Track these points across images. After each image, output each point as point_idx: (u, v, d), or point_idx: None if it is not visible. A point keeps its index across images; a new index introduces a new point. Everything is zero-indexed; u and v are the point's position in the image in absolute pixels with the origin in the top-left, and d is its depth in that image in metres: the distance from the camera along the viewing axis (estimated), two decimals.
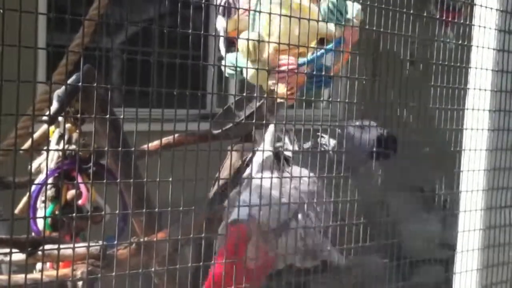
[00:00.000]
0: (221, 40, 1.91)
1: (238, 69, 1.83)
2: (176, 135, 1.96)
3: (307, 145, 2.08)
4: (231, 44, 1.92)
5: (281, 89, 1.76)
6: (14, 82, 1.13)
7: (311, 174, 1.97)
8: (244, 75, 1.80)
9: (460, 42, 2.07)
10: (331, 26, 1.78)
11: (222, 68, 1.88)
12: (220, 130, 1.97)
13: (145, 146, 1.71)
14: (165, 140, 1.87)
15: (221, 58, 1.90)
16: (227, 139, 1.97)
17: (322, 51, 1.75)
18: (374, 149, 2.06)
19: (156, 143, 1.88)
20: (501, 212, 2.23)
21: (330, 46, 1.78)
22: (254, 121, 1.87)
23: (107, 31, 1.96)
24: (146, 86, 1.38)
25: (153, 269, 1.49)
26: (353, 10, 1.79)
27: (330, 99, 2.02)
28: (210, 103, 4.34)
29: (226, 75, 1.87)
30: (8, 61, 1.16)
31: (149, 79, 1.42)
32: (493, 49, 2.16)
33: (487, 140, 2.19)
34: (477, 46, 2.13)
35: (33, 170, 1.82)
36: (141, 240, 1.54)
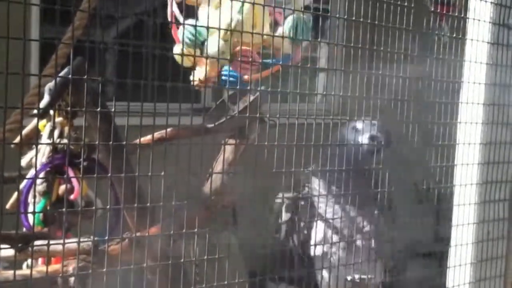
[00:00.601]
0: (174, 4, 1.86)
1: (199, 39, 1.80)
2: (169, 129, 1.94)
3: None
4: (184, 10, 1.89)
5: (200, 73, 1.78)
6: (3, 73, 1.11)
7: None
8: (205, 47, 1.78)
9: (454, 35, 2.05)
10: (279, 40, 1.80)
11: (180, 36, 1.82)
12: (213, 124, 1.95)
13: (137, 140, 1.70)
14: (157, 134, 1.85)
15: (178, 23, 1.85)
16: (221, 133, 1.95)
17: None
18: (367, 143, 2.05)
19: (148, 137, 1.86)
20: (494, 206, 2.23)
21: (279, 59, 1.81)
22: (247, 115, 1.85)
23: (100, 24, 1.94)
24: (139, 80, 1.37)
25: (145, 264, 1.47)
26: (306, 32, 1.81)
27: (324, 92, 2.01)
28: (203, 97, 4.32)
29: (187, 40, 1.81)
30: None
31: (142, 73, 1.40)
32: (488, 43, 2.15)
33: (481, 134, 2.19)
34: (472, 40, 2.12)
35: (24, 164, 1.80)
36: (133, 235, 1.53)
